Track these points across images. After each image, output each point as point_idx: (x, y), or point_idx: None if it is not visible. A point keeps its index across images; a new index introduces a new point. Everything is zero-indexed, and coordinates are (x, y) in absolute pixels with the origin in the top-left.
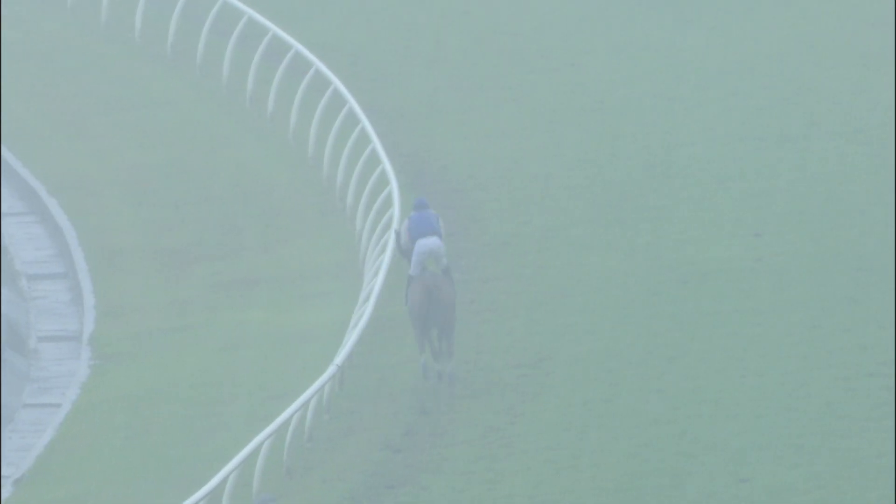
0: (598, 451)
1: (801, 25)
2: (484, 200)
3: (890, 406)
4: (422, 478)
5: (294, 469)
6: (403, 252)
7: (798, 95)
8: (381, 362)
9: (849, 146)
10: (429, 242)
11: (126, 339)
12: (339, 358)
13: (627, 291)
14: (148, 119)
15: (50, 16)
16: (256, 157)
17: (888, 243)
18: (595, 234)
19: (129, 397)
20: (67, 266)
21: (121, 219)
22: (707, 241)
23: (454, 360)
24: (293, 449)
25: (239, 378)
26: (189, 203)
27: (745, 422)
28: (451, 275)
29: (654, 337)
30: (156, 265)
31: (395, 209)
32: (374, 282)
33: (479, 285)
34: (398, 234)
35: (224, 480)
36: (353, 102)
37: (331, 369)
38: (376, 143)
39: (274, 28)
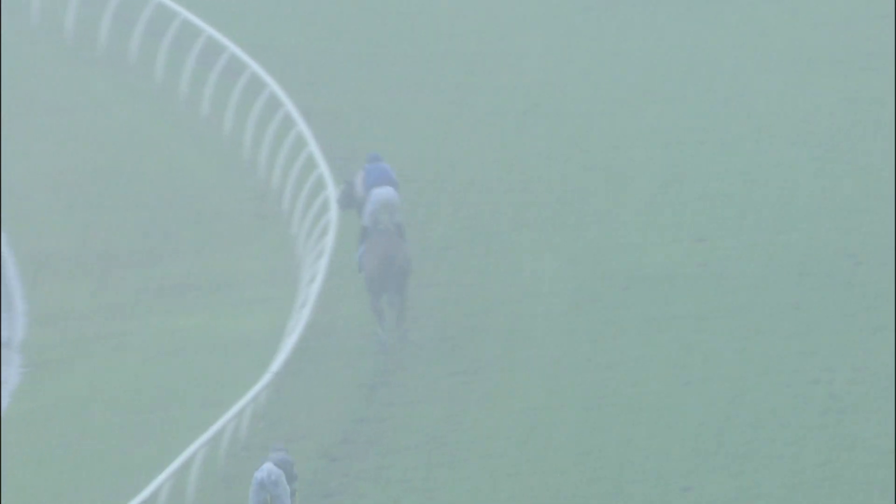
0: (539, 459)
1: (745, 26)
2: (422, 204)
3: (835, 413)
4: (359, 486)
5: (230, 477)
6: (357, 203)
7: (742, 98)
8: (318, 369)
9: (794, 150)
10: (384, 192)
11: (58, 346)
12: (276, 365)
13: (568, 297)
14: (80, 121)
15: None
16: (191, 161)
17: (833, 249)
18: (535, 239)
19: (62, 405)
20: None
21: (52, 223)
22: (649, 245)
23: (406, 321)
24: (229, 457)
25: (173, 385)
26: (122, 207)
27: (687, 429)
28: (405, 233)
29: (595, 343)
30: (88, 270)
31: (332, 213)
32: (311, 287)
33: (417, 291)
34: (351, 185)
35: (159, 489)
36: (289, 105)
37: (267, 377)
38: (313, 146)
39: (209, 29)
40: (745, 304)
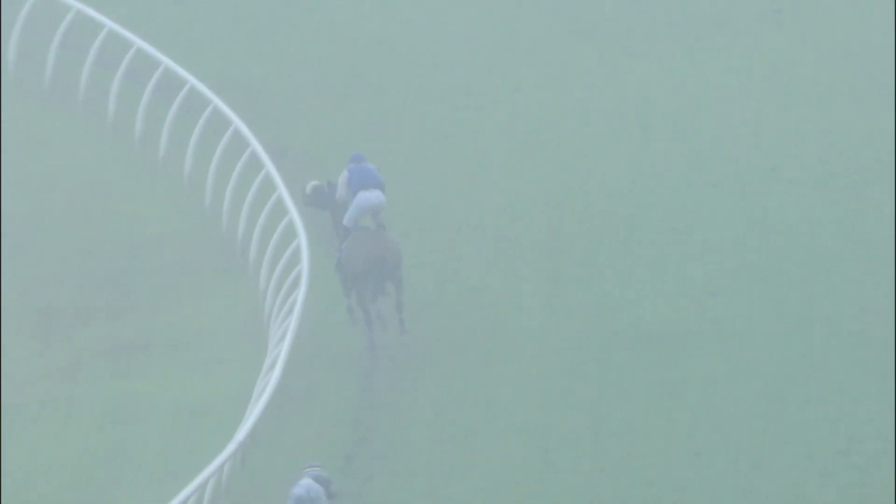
0: None
1: (758, 57)
2: (405, 254)
3: (864, 488)
4: None
5: None
6: (334, 205)
7: (755, 137)
8: (287, 439)
9: (813, 193)
10: (372, 197)
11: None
12: (241, 434)
13: (564, 358)
14: (24, 162)
15: None
16: (147, 206)
17: (860, 304)
18: (527, 293)
19: (4, 477)
20: None
21: None
22: (654, 300)
23: (403, 310)
24: None
25: (127, 456)
26: (70, 257)
27: None
28: (388, 231)
29: (594, 410)
30: (33, 327)
31: (304, 265)
32: (280, 347)
33: (398, 349)
34: (331, 185)
35: None
36: (255, 144)
37: (231, 446)
38: (282, 189)
39: (166, 60)
40: (761, 366)
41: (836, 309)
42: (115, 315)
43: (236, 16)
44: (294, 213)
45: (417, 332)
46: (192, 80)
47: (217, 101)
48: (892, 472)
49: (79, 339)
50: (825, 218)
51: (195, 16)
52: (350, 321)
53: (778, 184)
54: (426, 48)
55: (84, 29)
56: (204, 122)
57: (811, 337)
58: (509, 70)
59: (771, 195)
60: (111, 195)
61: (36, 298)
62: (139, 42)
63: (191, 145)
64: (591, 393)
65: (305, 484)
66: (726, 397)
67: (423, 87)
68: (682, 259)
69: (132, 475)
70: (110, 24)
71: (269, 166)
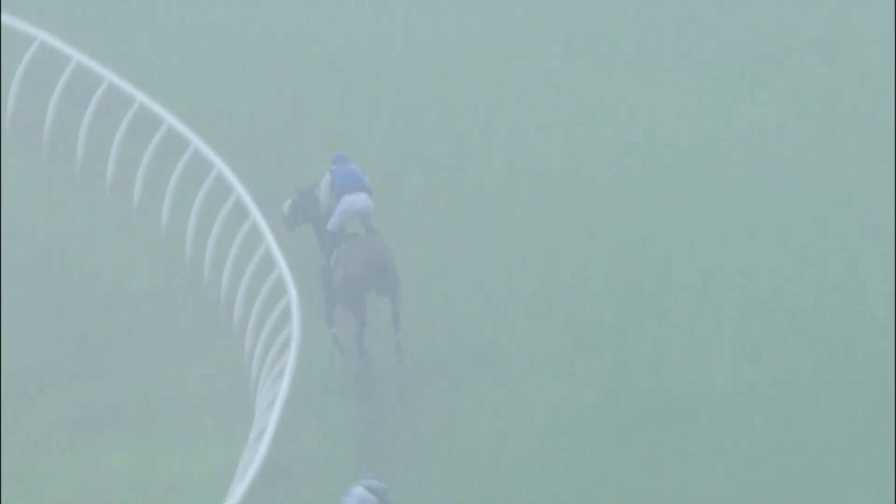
0: None
1: (801, 92)
2: (407, 315)
3: None
4: None
5: None
6: (315, 215)
7: (800, 182)
8: None
9: (862, 244)
10: (359, 201)
11: None
12: None
13: (585, 429)
14: None
15: None
16: (120, 259)
17: None
18: (547, 358)
19: None
20: None
21: None
22: (686, 365)
23: (401, 327)
24: None
25: None
26: (36, 316)
27: None
28: (378, 234)
29: (618, 487)
30: None
31: (295, 325)
32: (268, 416)
33: (401, 420)
34: (306, 193)
35: None
36: (240, 189)
37: None
38: (270, 241)
39: (140, 96)
40: (806, 440)
41: (887, 376)
42: (84, 381)
43: (217, 47)
44: (283, 267)
45: (420, 400)
46: (170, 118)
47: (197, 141)
48: None
49: (45, 408)
50: (876, 274)
51: (171, 47)
52: (337, 350)
53: (823, 234)
54: (429, 83)
55: (50, 61)
56: (183, 165)
57: (861, 407)
58: (522, 106)
59: (815, 247)
60: (80, 248)
61: (3, 362)
62: (111, 76)
63: (168, 192)
64: (614, 469)
65: (357, 494)
66: (765, 474)
67: (426, 125)
68: (716, 318)
69: None
70: (78, 57)
71: (256, 214)
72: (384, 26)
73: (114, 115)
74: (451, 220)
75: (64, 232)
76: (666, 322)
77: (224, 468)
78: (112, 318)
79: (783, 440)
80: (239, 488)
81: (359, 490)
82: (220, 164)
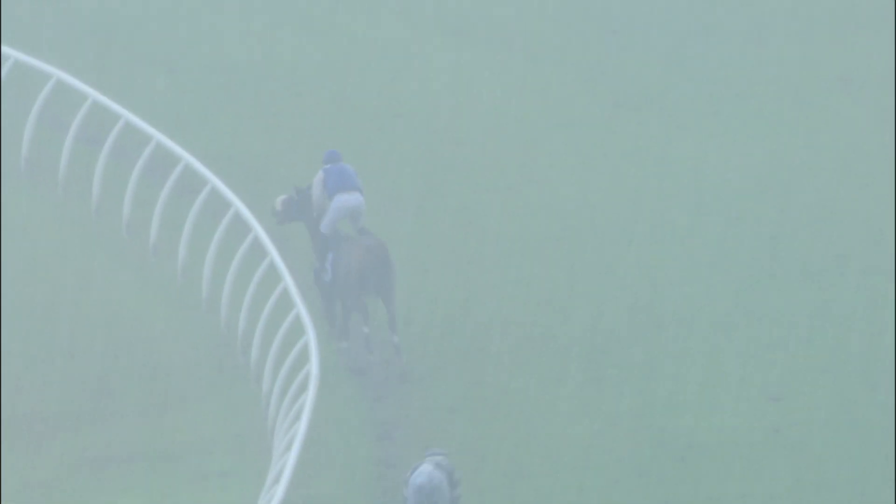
0: None
1: (823, 130)
2: (424, 354)
3: None
4: None
5: None
6: (307, 212)
7: (820, 221)
8: None
9: (886, 285)
10: (352, 199)
11: None
12: None
13: (606, 471)
14: None
15: None
16: (136, 300)
17: None
18: (565, 397)
19: None
20: None
21: None
22: (708, 406)
23: (398, 329)
24: None
25: None
26: (50, 357)
27: None
28: (371, 233)
29: None
30: (9, 436)
31: (313, 365)
32: (286, 458)
33: (417, 462)
34: (300, 191)
35: None
36: (258, 229)
37: None
38: (288, 281)
39: (157, 135)
40: (832, 483)
41: None
42: (100, 422)
43: (235, 85)
44: (301, 307)
45: (439, 441)
46: (187, 156)
47: (215, 180)
48: None
49: (60, 450)
50: None
51: (188, 85)
52: (339, 351)
53: (847, 274)
54: (450, 121)
55: (62, 98)
56: (200, 204)
57: (885, 449)
58: (544, 146)
59: (839, 287)
60: (96, 288)
61: (12, 404)
62: (127, 114)
63: (185, 231)
64: None
65: (427, 471)
66: None
67: (447, 164)
68: (740, 359)
69: None
70: (94, 95)
71: (274, 254)
72: (401, 63)
73: (130, 154)
74: (470, 258)
75: (80, 272)
76: (689, 363)
77: None
78: (128, 358)
79: (807, 482)
80: None
81: (426, 467)
82: (237, 202)
